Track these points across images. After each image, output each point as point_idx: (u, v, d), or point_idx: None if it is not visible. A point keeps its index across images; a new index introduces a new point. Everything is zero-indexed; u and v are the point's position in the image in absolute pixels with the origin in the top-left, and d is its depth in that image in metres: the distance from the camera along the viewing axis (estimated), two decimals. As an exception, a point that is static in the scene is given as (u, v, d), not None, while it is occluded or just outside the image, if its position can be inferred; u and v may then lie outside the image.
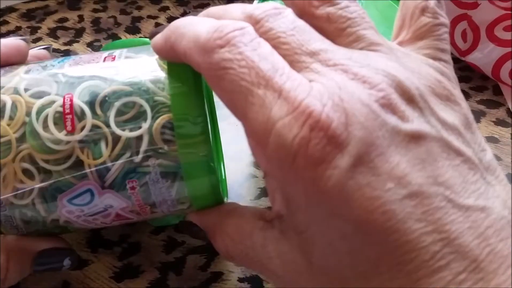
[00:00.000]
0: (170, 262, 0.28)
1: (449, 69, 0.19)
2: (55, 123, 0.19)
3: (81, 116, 0.19)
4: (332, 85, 0.16)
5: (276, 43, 0.17)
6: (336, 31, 0.18)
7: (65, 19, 0.45)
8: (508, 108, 0.38)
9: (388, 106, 0.16)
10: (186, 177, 0.20)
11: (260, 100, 0.16)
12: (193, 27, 0.18)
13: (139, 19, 0.45)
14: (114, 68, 0.20)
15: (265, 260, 0.19)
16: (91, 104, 0.19)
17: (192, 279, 0.27)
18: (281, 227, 0.19)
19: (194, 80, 0.20)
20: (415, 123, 0.16)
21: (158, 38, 0.20)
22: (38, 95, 0.20)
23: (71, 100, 0.19)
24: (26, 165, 0.19)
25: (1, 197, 0.20)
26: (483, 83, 0.41)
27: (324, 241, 0.17)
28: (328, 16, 0.18)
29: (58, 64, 0.21)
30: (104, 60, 0.21)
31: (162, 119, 0.19)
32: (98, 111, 0.19)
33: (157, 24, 0.45)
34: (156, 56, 0.21)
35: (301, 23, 0.18)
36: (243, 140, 0.35)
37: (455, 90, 0.19)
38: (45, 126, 0.19)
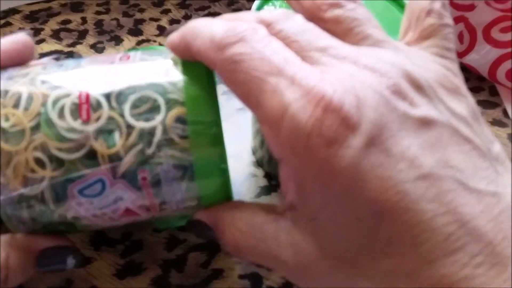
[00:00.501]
0: (171, 260, 0.29)
1: (455, 66, 0.20)
2: (70, 114, 0.19)
3: (97, 107, 0.19)
4: (342, 74, 0.17)
5: (287, 42, 0.18)
6: (344, 31, 0.19)
7: (68, 21, 0.46)
8: (505, 109, 0.39)
9: (398, 93, 0.17)
10: (197, 175, 0.20)
11: (273, 87, 0.17)
12: (208, 28, 0.19)
13: (141, 21, 0.46)
14: (130, 66, 0.21)
15: (276, 251, 0.19)
16: (106, 97, 0.20)
17: (193, 276, 0.28)
18: (293, 217, 0.19)
19: (208, 80, 0.20)
20: (424, 109, 0.17)
21: (174, 36, 0.21)
22: (54, 89, 0.20)
23: (87, 92, 0.20)
24: (38, 154, 0.19)
25: (11, 186, 0.19)
26: (479, 84, 0.41)
27: (336, 226, 0.17)
28: (336, 17, 0.19)
29: (74, 63, 0.21)
30: (120, 59, 0.21)
31: (175, 112, 0.19)
32: (114, 103, 0.20)
33: (159, 27, 0.45)
34: (171, 58, 0.21)
35: (310, 24, 0.19)
36: (244, 140, 0.36)
37: (461, 85, 0.19)
38: (61, 116, 0.19)
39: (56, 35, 0.44)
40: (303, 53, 0.18)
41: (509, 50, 0.38)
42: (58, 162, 0.19)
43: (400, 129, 0.16)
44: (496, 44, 0.38)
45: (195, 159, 0.20)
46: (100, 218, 0.21)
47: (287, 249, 0.19)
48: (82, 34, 0.44)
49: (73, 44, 0.43)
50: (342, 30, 0.19)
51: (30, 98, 0.20)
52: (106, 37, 0.44)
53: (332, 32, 0.19)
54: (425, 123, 0.17)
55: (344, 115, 0.16)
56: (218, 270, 0.28)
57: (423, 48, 0.20)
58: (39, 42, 0.44)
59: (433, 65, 0.19)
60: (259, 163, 0.34)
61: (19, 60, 0.22)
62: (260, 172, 0.34)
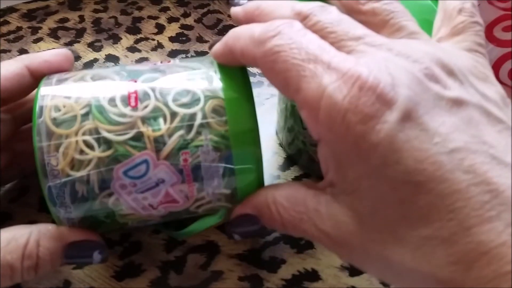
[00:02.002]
0: (170, 261, 0.28)
1: (484, 60, 0.21)
2: (121, 102, 0.21)
3: (144, 98, 0.22)
4: (377, 58, 0.18)
5: (324, 33, 0.20)
6: (380, 22, 0.21)
7: (66, 20, 0.45)
8: (507, 108, 0.39)
9: (430, 76, 0.18)
10: (234, 145, 0.21)
11: (311, 72, 0.18)
12: (248, 29, 0.21)
13: (139, 19, 0.46)
14: (171, 67, 0.23)
15: (318, 221, 0.20)
16: (152, 90, 0.22)
17: (192, 278, 0.28)
18: (333, 192, 0.20)
19: (245, 84, 0.22)
20: (456, 91, 0.18)
21: (218, 45, 0.23)
22: (103, 81, 0.22)
23: (135, 85, 0.22)
24: (88, 138, 0.21)
25: (59, 169, 0.21)
26: (482, 83, 0.41)
27: (373, 197, 0.18)
28: (373, 10, 0.21)
29: (117, 67, 0.23)
30: (161, 63, 0.24)
31: (213, 103, 0.22)
32: (158, 95, 0.22)
33: (158, 24, 0.45)
34: (211, 67, 0.23)
35: (345, 16, 0.20)
36: (267, 126, 0.35)
37: (491, 75, 0.20)
38: (111, 104, 0.21)
39: (53, 34, 0.44)
40: (339, 42, 0.19)
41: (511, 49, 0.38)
42: (106, 145, 0.21)
43: (433, 107, 0.17)
44: (498, 43, 0.38)
45: (235, 153, 0.21)
46: (141, 204, 0.22)
47: (327, 221, 0.20)
48: (80, 33, 0.44)
49: (70, 43, 0.43)
50: (378, 22, 0.21)
51: (81, 90, 0.22)
52: (104, 36, 0.44)
53: (369, 23, 0.20)
54: (457, 103, 0.18)
55: (380, 92, 0.17)
56: (218, 272, 0.28)
57: (455, 43, 0.21)
58: (37, 40, 0.43)
59: (463, 56, 0.20)
60: (282, 147, 0.35)
61: (60, 70, 0.25)
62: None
